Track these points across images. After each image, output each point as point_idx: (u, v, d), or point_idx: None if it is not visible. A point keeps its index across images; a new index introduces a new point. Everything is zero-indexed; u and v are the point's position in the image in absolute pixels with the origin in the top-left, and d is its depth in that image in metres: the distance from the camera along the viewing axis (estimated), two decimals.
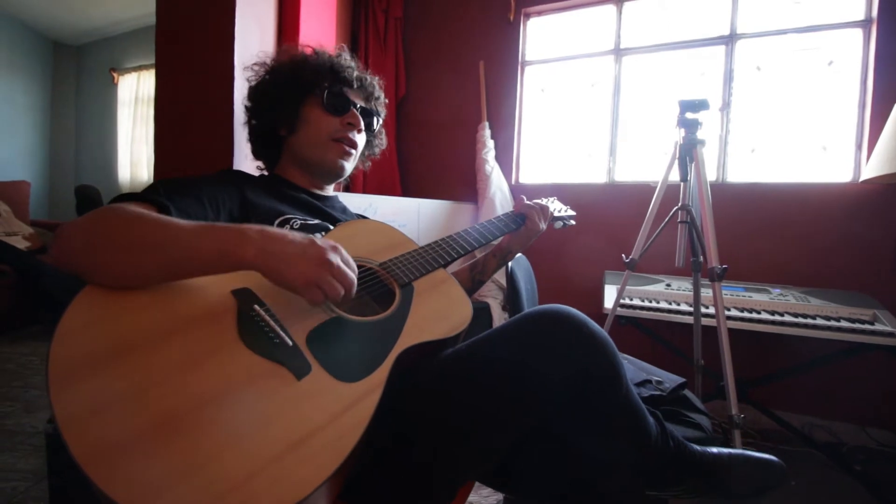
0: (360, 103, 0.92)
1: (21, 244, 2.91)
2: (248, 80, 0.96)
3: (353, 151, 0.90)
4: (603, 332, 0.63)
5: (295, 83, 0.88)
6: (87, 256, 0.51)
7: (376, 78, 0.98)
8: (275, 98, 0.89)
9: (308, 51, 0.93)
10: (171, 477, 0.40)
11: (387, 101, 1.02)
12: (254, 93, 0.94)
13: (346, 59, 0.93)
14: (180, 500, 0.39)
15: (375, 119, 0.97)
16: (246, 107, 0.95)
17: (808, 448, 1.63)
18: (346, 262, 0.58)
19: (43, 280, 2.64)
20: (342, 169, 0.90)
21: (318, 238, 0.58)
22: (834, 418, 1.79)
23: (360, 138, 0.92)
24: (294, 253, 0.54)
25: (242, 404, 0.47)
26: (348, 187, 2.39)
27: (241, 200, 0.76)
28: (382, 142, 1.07)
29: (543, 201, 1.08)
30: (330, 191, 0.97)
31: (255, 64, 0.94)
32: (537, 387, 0.58)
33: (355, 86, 0.91)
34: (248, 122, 0.96)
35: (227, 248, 0.53)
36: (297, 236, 0.56)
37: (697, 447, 0.72)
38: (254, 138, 0.97)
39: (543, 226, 1.02)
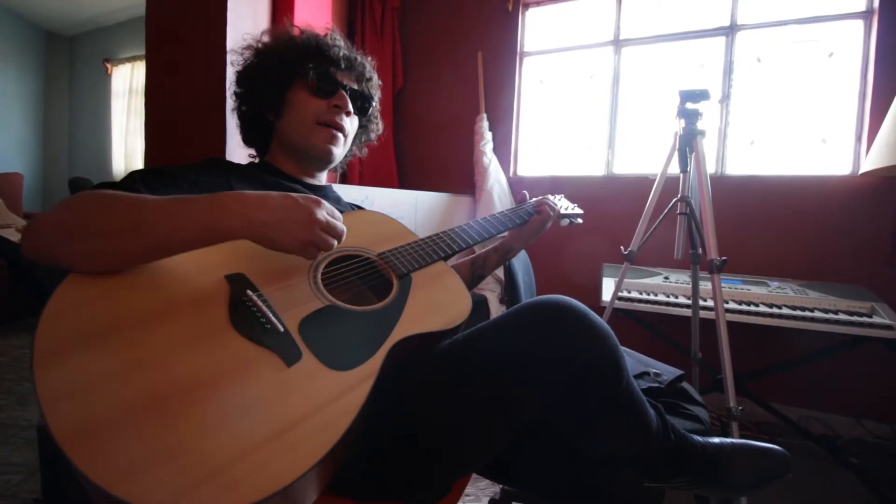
0: (350, 85, 0.88)
1: (14, 237, 2.88)
2: (231, 63, 0.92)
3: (341, 136, 0.86)
4: (603, 322, 0.61)
5: (280, 66, 0.84)
6: (62, 246, 0.49)
7: (368, 58, 0.93)
8: (261, 82, 0.86)
9: (295, 31, 0.89)
10: (152, 459, 0.39)
11: (381, 83, 0.98)
12: (241, 78, 0.90)
13: (335, 38, 0.89)
14: (159, 482, 0.38)
15: (368, 102, 0.93)
16: (235, 93, 0.92)
17: (805, 440, 1.63)
18: (331, 214, 0.59)
19: (36, 272, 2.62)
20: (329, 154, 0.85)
21: (297, 196, 0.57)
22: (830, 411, 1.80)
23: (350, 122, 0.88)
24: (281, 219, 0.54)
25: (230, 389, 0.46)
26: (344, 177, 2.37)
27: (228, 187, 0.74)
28: (378, 126, 1.02)
29: (551, 198, 1.06)
30: (322, 180, 0.95)
31: (242, 48, 0.91)
32: (537, 379, 0.57)
33: (343, 66, 0.87)
34: (238, 108, 0.92)
35: (210, 223, 0.51)
36: (277, 199, 0.56)
37: (699, 438, 0.72)
38: (243, 124, 0.94)
39: (549, 224, 1.00)
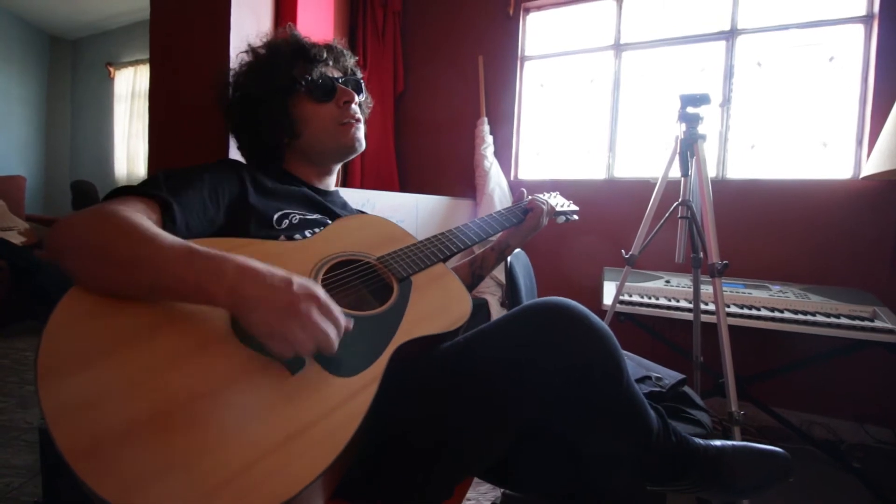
0: (340, 76, 0.89)
1: (16, 239, 2.89)
2: (219, 101, 0.91)
3: (361, 124, 0.90)
4: (603, 324, 0.62)
5: (272, 91, 0.83)
6: (74, 259, 0.50)
7: (335, 39, 0.93)
8: (261, 113, 0.84)
9: (261, 51, 0.87)
10: (160, 472, 0.39)
11: (356, 57, 0.97)
12: (234, 114, 0.89)
13: (298, 36, 0.89)
14: (169, 496, 0.38)
15: (359, 82, 0.94)
16: (233, 131, 0.91)
17: (807, 445, 1.63)
18: (325, 312, 0.50)
19: (38, 275, 2.62)
20: (360, 144, 0.89)
21: (299, 280, 0.50)
22: (832, 415, 1.79)
23: (359, 108, 0.91)
24: (261, 297, 0.48)
25: (235, 399, 0.46)
26: (346, 181, 2.38)
27: (241, 191, 0.74)
28: (369, 100, 1.02)
29: (545, 196, 1.07)
30: (332, 183, 0.96)
31: (221, 84, 0.90)
32: (536, 381, 0.57)
33: (330, 63, 0.89)
34: (240, 143, 0.92)
35: (202, 282, 0.49)
36: (274, 276, 0.50)
37: (700, 441, 0.71)
38: (248, 154, 0.92)
39: (545, 221, 1.01)
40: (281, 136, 0.86)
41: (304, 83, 0.84)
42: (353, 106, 0.88)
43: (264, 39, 0.91)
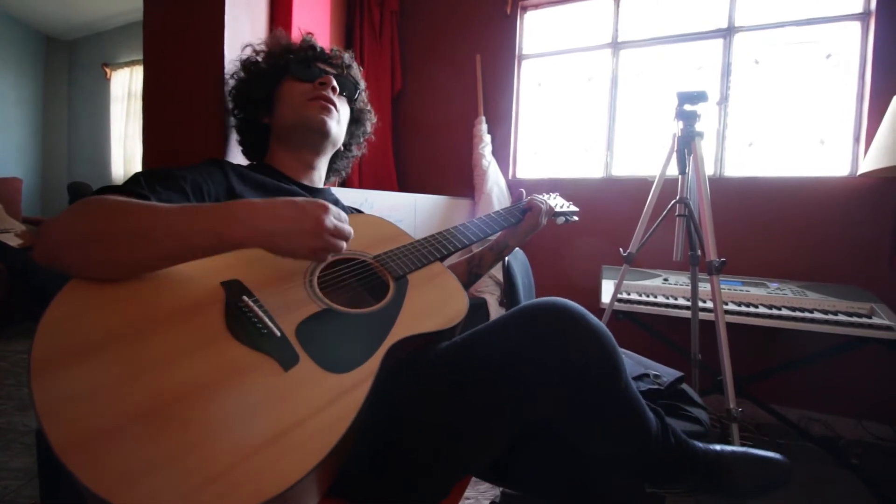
0: (331, 71, 0.93)
1: (13, 241, 2.88)
2: (228, 89, 1.01)
3: (333, 109, 0.89)
4: (601, 324, 0.61)
5: (265, 70, 0.92)
6: (75, 250, 0.49)
7: (347, 52, 0.99)
8: (252, 90, 0.92)
9: (271, 41, 0.96)
10: (150, 466, 0.39)
11: (362, 68, 1.03)
12: (234, 94, 0.97)
13: (308, 38, 0.96)
14: (158, 489, 0.38)
15: (354, 87, 0.97)
16: (232, 111, 0.98)
17: (805, 442, 1.63)
18: (338, 217, 0.60)
19: (35, 277, 2.62)
20: (324, 124, 0.87)
21: (304, 202, 0.58)
22: (831, 412, 1.79)
23: (340, 103, 0.91)
24: (289, 228, 0.55)
25: (227, 395, 0.46)
26: (344, 181, 2.37)
27: (228, 189, 0.75)
28: (371, 116, 1.06)
29: (544, 196, 1.07)
30: (321, 180, 0.96)
31: (233, 74, 0.99)
32: (534, 382, 0.57)
33: (318, 51, 0.93)
34: (236, 124, 0.99)
35: (218, 231, 0.52)
36: (285, 207, 0.56)
37: (700, 444, 0.71)
38: (243, 137, 0.99)
39: (544, 221, 1.01)
40: (263, 113, 0.92)
41: (290, 61, 0.90)
42: (329, 91, 0.89)
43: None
